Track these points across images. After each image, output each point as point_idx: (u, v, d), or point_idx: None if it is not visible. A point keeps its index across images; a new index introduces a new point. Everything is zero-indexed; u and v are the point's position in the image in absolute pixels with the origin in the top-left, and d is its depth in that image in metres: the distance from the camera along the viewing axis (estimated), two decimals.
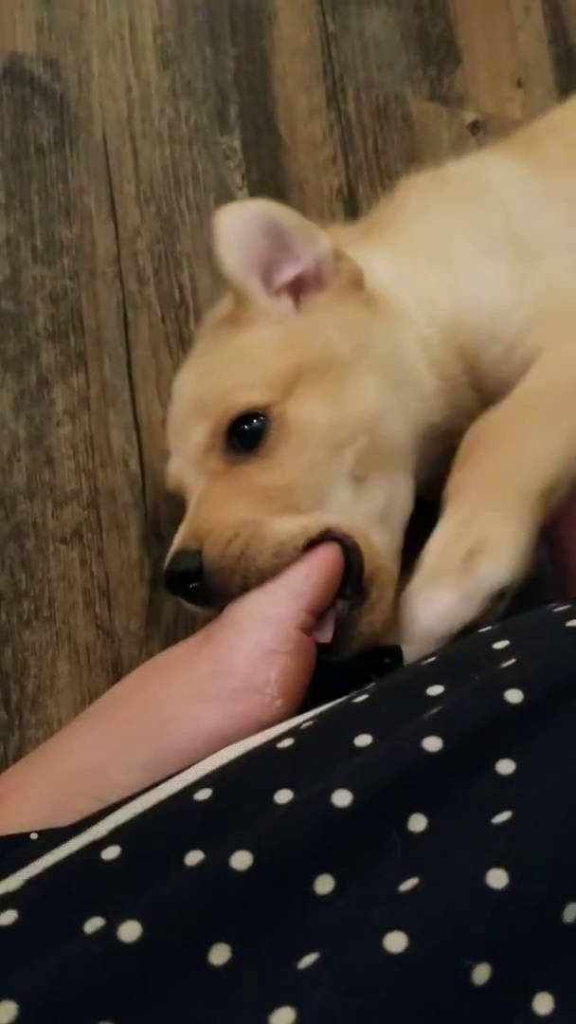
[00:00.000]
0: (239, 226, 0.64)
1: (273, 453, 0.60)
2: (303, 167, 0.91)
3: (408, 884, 0.35)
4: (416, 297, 0.68)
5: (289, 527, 0.57)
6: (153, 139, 0.85)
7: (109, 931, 0.34)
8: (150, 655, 0.73)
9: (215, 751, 0.50)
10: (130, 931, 0.34)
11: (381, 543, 0.61)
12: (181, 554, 0.58)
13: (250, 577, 0.56)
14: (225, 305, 0.69)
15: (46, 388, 0.76)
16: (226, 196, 0.86)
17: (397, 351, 0.66)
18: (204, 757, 0.49)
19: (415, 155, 0.98)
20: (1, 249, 0.77)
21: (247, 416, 0.60)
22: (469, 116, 1.03)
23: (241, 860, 0.36)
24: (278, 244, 0.65)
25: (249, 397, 0.61)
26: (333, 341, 0.64)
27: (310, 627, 0.55)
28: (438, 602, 0.54)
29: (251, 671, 0.52)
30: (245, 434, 0.60)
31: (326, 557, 0.57)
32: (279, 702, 0.52)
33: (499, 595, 0.54)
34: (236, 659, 0.53)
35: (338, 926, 0.35)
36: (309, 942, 0.34)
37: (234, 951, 0.34)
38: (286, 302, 0.66)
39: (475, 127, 1.04)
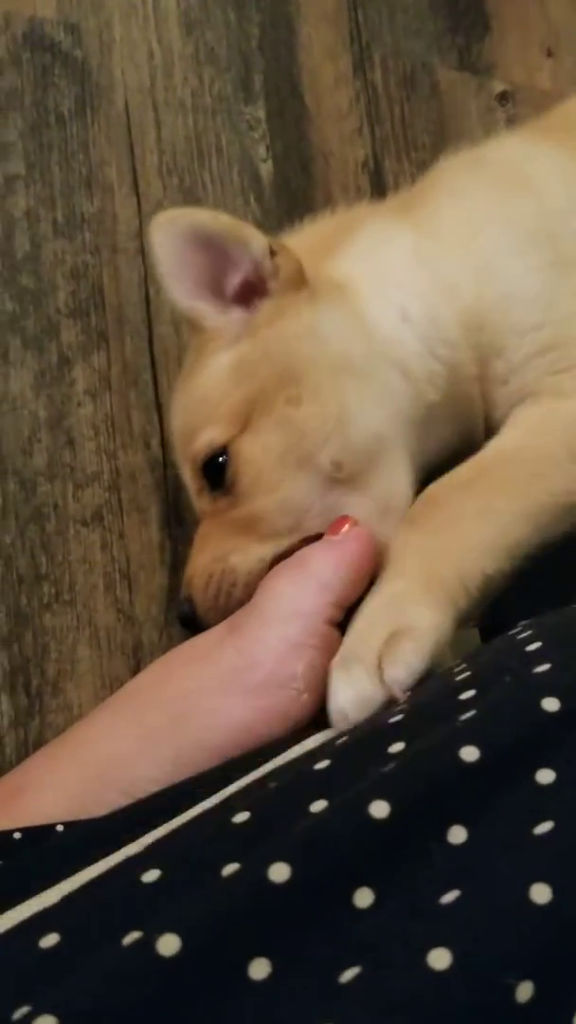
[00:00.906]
0: (171, 245, 0.62)
1: (239, 487, 0.60)
2: (328, 138, 0.89)
3: (449, 897, 0.35)
4: (438, 279, 0.65)
5: (254, 554, 0.59)
6: (176, 108, 0.82)
7: (147, 944, 0.33)
8: (171, 640, 0.73)
9: (241, 745, 0.49)
10: (168, 944, 0.33)
11: (385, 538, 0.59)
12: (182, 601, 0.62)
13: (234, 608, 0.57)
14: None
15: (67, 367, 0.75)
16: (250, 168, 0.84)
17: (361, 339, 0.63)
18: (230, 751, 0.49)
19: (442, 126, 0.95)
20: (21, 222, 0.75)
21: (213, 456, 0.61)
22: (498, 86, 1.00)
23: (279, 872, 0.35)
24: (216, 253, 0.62)
25: (211, 437, 0.61)
26: (278, 360, 0.61)
27: (338, 620, 0.54)
28: (355, 686, 0.51)
29: (277, 665, 0.51)
30: (215, 474, 0.61)
31: (355, 549, 0.55)
32: (306, 696, 0.51)
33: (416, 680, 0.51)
34: (262, 652, 0.52)
35: (380, 940, 0.34)
36: (350, 956, 0.34)
37: (274, 965, 0.33)
38: (237, 313, 0.63)
39: (504, 98, 1.01)
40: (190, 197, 0.81)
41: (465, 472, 0.61)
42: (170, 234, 0.62)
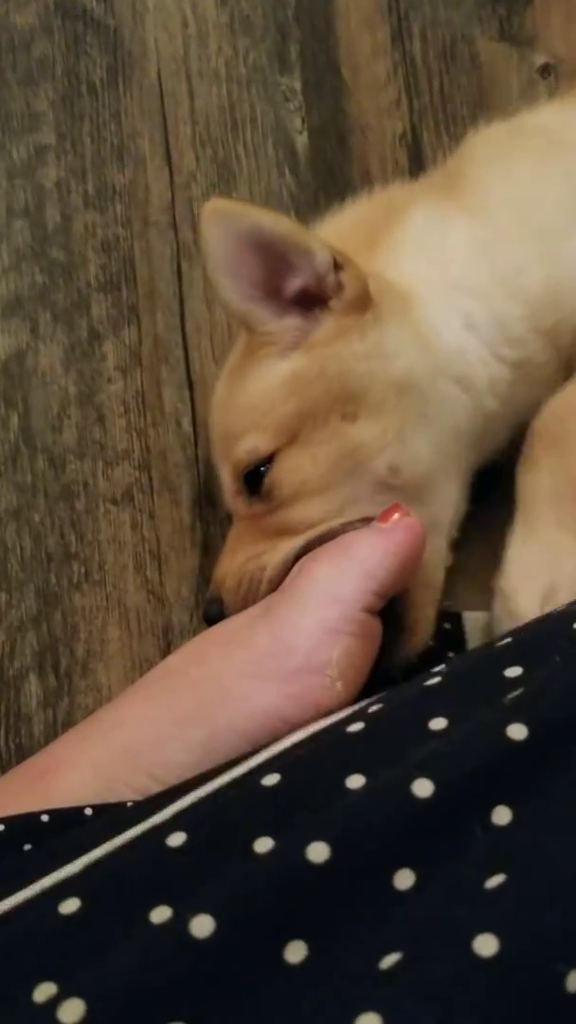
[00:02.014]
0: (227, 244, 0.59)
1: (279, 497, 0.59)
2: (365, 110, 0.87)
3: (494, 881, 0.33)
4: (497, 270, 0.62)
5: (283, 547, 0.58)
6: (210, 78, 0.81)
7: (180, 925, 0.32)
8: (201, 622, 0.72)
9: (272, 731, 0.48)
10: (202, 926, 0.32)
11: (425, 556, 0.58)
12: (210, 602, 0.61)
13: None
14: None
15: (97, 342, 0.73)
16: (285, 140, 0.82)
17: (424, 356, 0.60)
18: (262, 737, 0.47)
19: (483, 99, 0.93)
20: (51, 194, 0.74)
21: (257, 464, 0.60)
22: (540, 59, 0.97)
23: (318, 851, 0.33)
24: (275, 257, 0.59)
25: (255, 447, 0.60)
26: (335, 380, 0.59)
27: (377, 609, 0.52)
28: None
29: (312, 651, 0.50)
30: (255, 481, 0.60)
31: (405, 540, 0.54)
32: (339, 685, 0.50)
33: None
34: (297, 637, 0.50)
35: (422, 925, 0.33)
36: (390, 941, 0.32)
37: (311, 949, 0.32)
38: (293, 320, 0.60)
39: (546, 70, 0.98)
40: (224, 170, 0.79)
41: (573, 398, 0.59)
42: (226, 233, 0.59)
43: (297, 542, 0.58)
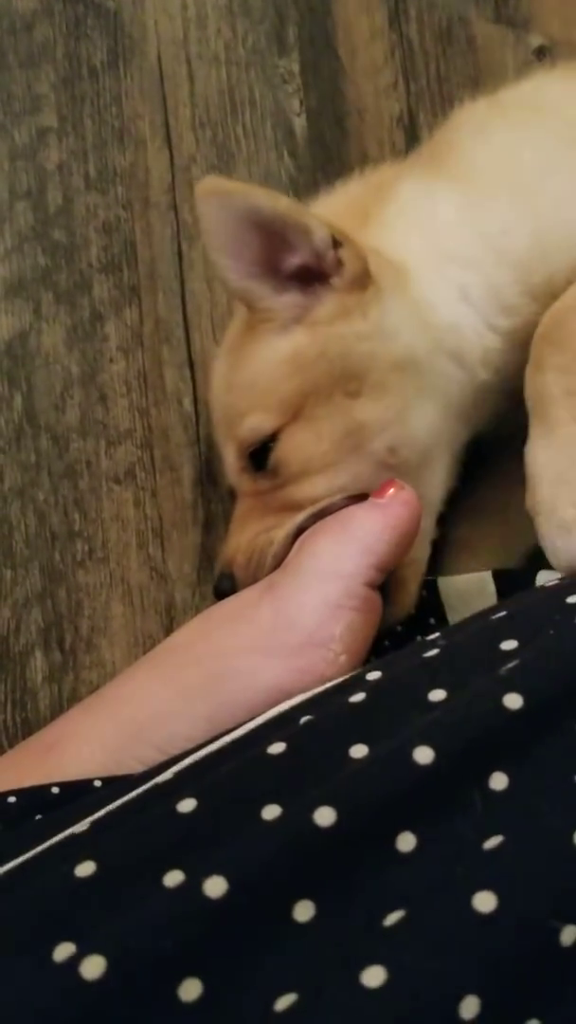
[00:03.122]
0: (224, 224, 0.58)
1: (285, 473, 0.60)
2: (363, 93, 0.87)
3: (492, 842, 0.34)
4: (485, 236, 0.63)
5: (290, 522, 0.59)
6: (209, 61, 0.81)
7: (193, 887, 0.33)
8: (203, 599, 0.73)
9: (275, 705, 0.48)
10: (215, 886, 0.33)
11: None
12: (220, 577, 0.62)
13: None
14: None
15: (99, 322, 0.74)
16: (283, 122, 0.83)
17: (422, 333, 0.61)
18: (265, 711, 0.48)
19: (479, 82, 0.93)
20: (53, 176, 0.75)
21: (261, 441, 0.60)
22: (535, 41, 0.98)
23: (324, 816, 0.35)
24: (272, 235, 0.59)
25: (259, 423, 0.60)
26: (337, 359, 0.59)
27: (378, 583, 0.54)
28: None
29: (316, 626, 0.51)
30: (260, 458, 0.60)
31: (401, 513, 0.55)
32: (343, 658, 0.51)
33: None
34: (300, 613, 0.52)
35: (424, 884, 0.34)
36: (393, 900, 0.34)
37: (318, 908, 0.33)
38: (293, 296, 0.61)
39: (541, 53, 0.99)
40: (223, 151, 0.80)
41: (571, 298, 0.59)
42: (223, 212, 0.58)
43: (298, 517, 0.59)
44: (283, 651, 0.51)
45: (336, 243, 0.59)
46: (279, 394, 0.60)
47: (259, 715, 0.47)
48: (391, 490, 0.56)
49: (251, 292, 0.61)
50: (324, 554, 0.54)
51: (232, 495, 0.65)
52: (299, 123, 0.83)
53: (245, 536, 0.61)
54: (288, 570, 0.54)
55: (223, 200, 0.58)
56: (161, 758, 0.47)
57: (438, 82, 0.91)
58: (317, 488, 0.59)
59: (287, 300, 0.60)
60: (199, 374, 0.76)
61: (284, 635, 0.51)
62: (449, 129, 0.71)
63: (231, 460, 0.63)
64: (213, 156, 0.80)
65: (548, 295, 0.62)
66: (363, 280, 0.60)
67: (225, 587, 0.60)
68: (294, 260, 0.60)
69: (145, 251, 0.76)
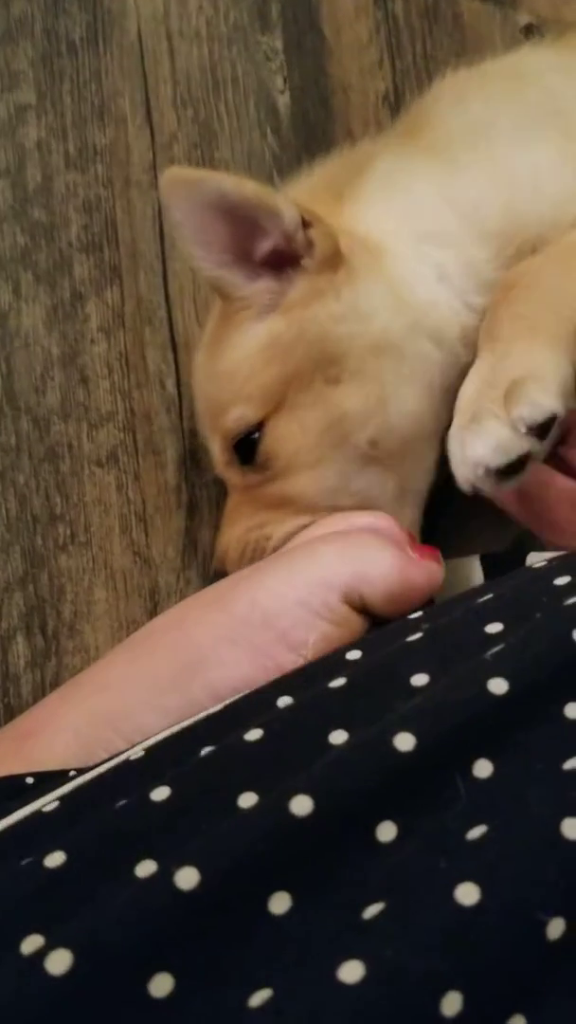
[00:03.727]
0: (192, 214, 0.57)
1: (274, 466, 0.59)
2: (348, 71, 0.86)
3: (476, 832, 0.34)
4: (460, 211, 0.62)
5: (292, 523, 0.58)
6: (190, 38, 0.80)
7: (165, 877, 0.32)
8: (187, 584, 0.72)
9: None
10: (188, 878, 0.32)
11: (404, 523, 0.58)
12: (214, 575, 0.61)
13: None
14: None
15: (79, 303, 0.73)
16: (267, 100, 0.81)
17: (399, 313, 0.60)
18: None
19: (465, 60, 0.92)
20: (32, 154, 0.74)
21: (246, 433, 0.60)
22: (523, 19, 0.97)
23: (301, 805, 0.34)
24: (242, 220, 0.58)
25: (242, 415, 0.60)
26: (315, 343, 0.59)
27: (359, 609, 0.51)
28: (488, 434, 0.51)
29: (290, 627, 0.49)
30: (248, 451, 0.60)
31: (418, 581, 0.52)
32: None
33: (546, 425, 0.51)
34: (276, 608, 0.49)
35: (404, 876, 0.33)
36: (373, 892, 0.33)
37: (295, 900, 0.33)
38: (266, 282, 0.60)
39: (529, 30, 0.98)
40: (205, 130, 0.79)
41: (538, 258, 0.59)
42: (189, 201, 0.57)
43: (304, 521, 0.58)
44: (254, 646, 0.49)
45: (306, 224, 0.58)
46: (260, 383, 0.59)
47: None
48: (428, 557, 0.53)
49: (224, 281, 0.60)
50: (320, 559, 0.51)
51: (220, 485, 0.64)
52: (283, 101, 0.82)
53: (237, 531, 0.60)
54: (279, 561, 0.53)
55: (188, 189, 0.57)
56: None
57: (424, 60, 0.90)
58: (306, 485, 0.59)
59: (261, 286, 0.60)
60: (182, 356, 0.75)
61: (256, 630, 0.49)
62: (428, 100, 0.70)
63: (217, 453, 0.62)
64: (195, 134, 0.79)
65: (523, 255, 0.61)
66: (335, 260, 0.59)
67: None
68: (265, 245, 0.59)
69: (126, 231, 0.75)
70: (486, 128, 0.64)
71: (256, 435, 0.59)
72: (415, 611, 0.50)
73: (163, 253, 0.76)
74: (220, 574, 0.60)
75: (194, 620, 0.52)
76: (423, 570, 0.52)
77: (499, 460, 0.51)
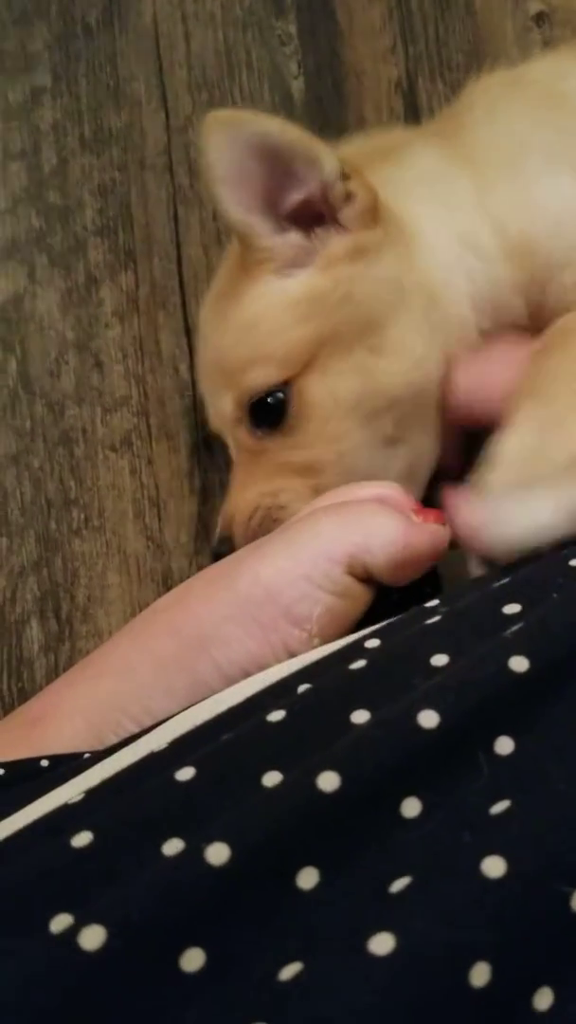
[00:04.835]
0: (231, 152, 0.56)
1: (296, 431, 0.58)
2: (361, 56, 0.86)
3: (499, 807, 0.34)
4: (493, 225, 0.61)
5: (308, 500, 0.56)
6: (205, 21, 0.80)
7: (195, 853, 0.32)
8: (200, 568, 0.72)
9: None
10: (218, 853, 0.32)
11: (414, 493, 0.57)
12: (220, 541, 0.60)
13: None
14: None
15: (94, 287, 0.73)
16: (281, 85, 0.81)
17: (439, 288, 0.59)
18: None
19: (477, 47, 0.92)
20: (48, 136, 0.74)
21: (268, 393, 0.58)
22: (534, 7, 0.96)
23: (328, 781, 0.34)
24: (277, 167, 0.56)
25: (266, 375, 0.57)
26: (363, 305, 0.57)
27: (363, 579, 0.50)
28: (535, 512, 0.46)
29: (293, 602, 0.48)
30: (267, 412, 0.58)
31: (421, 543, 0.50)
32: (316, 641, 0.48)
33: None
34: (280, 586, 0.49)
35: (430, 850, 0.33)
36: (399, 866, 0.33)
37: (323, 875, 0.33)
38: (294, 237, 0.58)
39: (540, 19, 0.97)
40: None
41: None
42: (230, 140, 0.56)
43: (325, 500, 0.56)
44: (258, 622, 0.48)
45: (344, 176, 0.57)
46: (287, 341, 0.57)
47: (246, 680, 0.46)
48: (432, 518, 0.52)
49: (251, 228, 0.58)
50: (324, 532, 0.51)
51: (220, 443, 0.63)
52: (296, 86, 0.82)
53: (249, 495, 0.59)
54: (281, 535, 0.53)
55: (232, 129, 0.56)
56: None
57: (436, 46, 0.90)
58: (329, 454, 0.58)
59: (289, 240, 0.58)
60: (195, 340, 0.75)
61: (260, 606, 0.48)
62: (462, 105, 0.69)
63: (226, 410, 0.60)
64: None
65: (530, 291, 0.61)
66: (373, 215, 0.58)
67: (223, 551, 0.58)
68: (295, 196, 0.58)
69: (140, 214, 0.75)
70: (518, 148, 0.63)
71: (278, 396, 0.57)
72: (421, 575, 0.51)
73: (177, 237, 0.76)
74: (225, 539, 0.59)
75: (197, 598, 0.51)
76: (426, 533, 0.51)
77: (533, 544, 0.46)
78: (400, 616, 0.46)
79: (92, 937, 0.30)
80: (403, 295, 0.58)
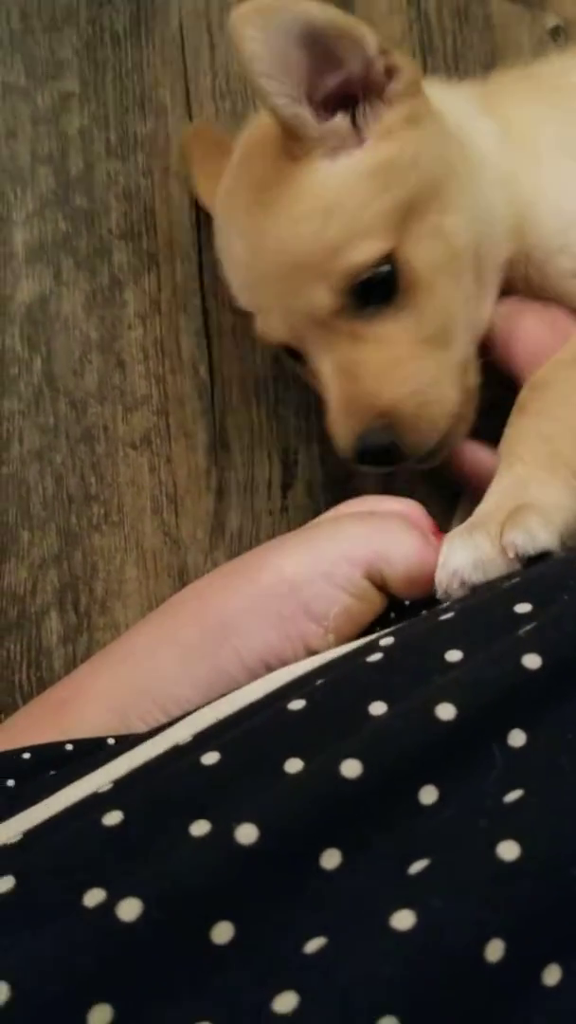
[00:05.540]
0: (272, 41, 0.53)
1: (409, 301, 0.58)
2: None
3: (513, 796, 0.35)
4: (506, 164, 0.63)
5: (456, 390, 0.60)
6: (230, 31, 0.81)
7: (224, 834, 0.34)
8: (215, 564, 0.74)
9: (271, 670, 0.48)
10: (247, 833, 0.34)
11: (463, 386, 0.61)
12: (371, 432, 0.59)
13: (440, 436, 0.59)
14: (259, 127, 0.62)
15: (118, 289, 0.75)
16: None
17: (485, 158, 0.62)
18: (262, 675, 0.48)
19: (494, 59, 0.93)
20: (75, 141, 0.75)
21: (377, 266, 0.57)
22: (551, 20, 0.98)
23: (351, 768, 0.36)
24: (317, 52, 0.55)
25: (370, 248, 0.57)
26: (423, 168, 0.58)
27: (377, 584, 0.53)
28: (476, 548, 0.49)
29: (312, 598, 0.50)
30: (375, 289, 0.57)
31: (431, 563, 0.52)
32: (331, 637, 0.51)
33: (536, 559, 0.50)
34: (301, 581, 0.51)
35: (447, 834, 0.35)
36: (418, 849, 0.34)
37: (345, 856, 0.34)
38: (341, 122, 0.57)
39: (556, 32, 0.99)
40: (243, 122, 0.80)
41: (569, 351, 0.60)
42: (270, 28, 0.53)
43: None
44: (279, 616, 0.50)
45: (383, 51, 0.57)
46: (378, 211, 0.57)
47: (258, 678, 0.47)
48: (443, 540, 0.54)
49: (301, 119, 0.56)
50: (347, 534, 0.53)
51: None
52: None
53: (399, 377, 0.58)
54: (305, 533, 0.55)
55: (269, 17, 0.53)
56: (164, 718, 0.48)
57: (454, 59, 0.91)
58: (434, 318, 0.58)
59: (336, 123, 0.58)
60: (214, 342, 0.76)
61: (280, 600, 0.50)
62: (490, 86, 0.71)
63: (320, 303, 0.58)
64: (233, 126, 0.80)
65: (535, 264, 0.63)
66: (417, 87, 0.59)
67: (382, 442, 0.59)
68: (334, 79, 0.57)
69: (164, 219, 0.77)
70: (535, 130, 0.65)
71: (383, 270, 0.57)
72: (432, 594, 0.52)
73: (199, 242, 0.77)
74: (387, 428, 0.59)
75: (220, 589, 0.53)
76: (436, 552, 0.53)
77: (476, 576, 0.49)
78: (414, 619, 0.47)
79: (129, 909, 0.32)
80: (455, 157, 0.60)
